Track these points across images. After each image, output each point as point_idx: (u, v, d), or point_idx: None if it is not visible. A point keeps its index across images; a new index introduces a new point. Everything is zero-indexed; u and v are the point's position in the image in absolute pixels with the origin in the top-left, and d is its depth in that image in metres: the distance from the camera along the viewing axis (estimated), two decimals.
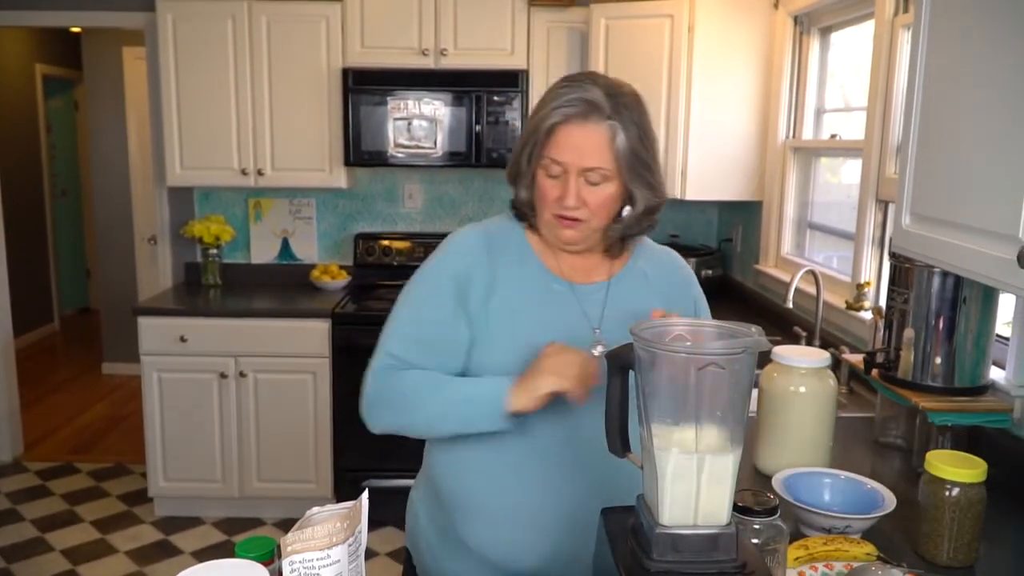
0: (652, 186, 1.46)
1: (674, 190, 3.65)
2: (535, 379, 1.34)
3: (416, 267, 1.57)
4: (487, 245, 1.50)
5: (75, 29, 6.06)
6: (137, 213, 6.06)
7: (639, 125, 1.42)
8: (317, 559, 1.06)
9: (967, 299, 1.79)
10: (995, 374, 1.91)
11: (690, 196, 3.66)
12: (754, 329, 1.06)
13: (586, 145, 1.39)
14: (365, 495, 1.17)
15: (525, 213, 1.52)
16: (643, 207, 1.47)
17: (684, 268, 1.63)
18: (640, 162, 1.43)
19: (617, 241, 1.52)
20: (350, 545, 1.11)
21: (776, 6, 3.53)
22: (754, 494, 1.22)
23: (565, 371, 1.32)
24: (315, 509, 1.15)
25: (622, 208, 1.48)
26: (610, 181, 1.42)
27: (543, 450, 1.45)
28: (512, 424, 1.38)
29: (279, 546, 1.27)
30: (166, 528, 3.91)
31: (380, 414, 1.48)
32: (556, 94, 1.42)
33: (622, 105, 1.40)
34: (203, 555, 3.66)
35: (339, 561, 1.08)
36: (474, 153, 3.89)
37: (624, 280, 1.53)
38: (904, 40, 2.54)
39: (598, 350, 1.44)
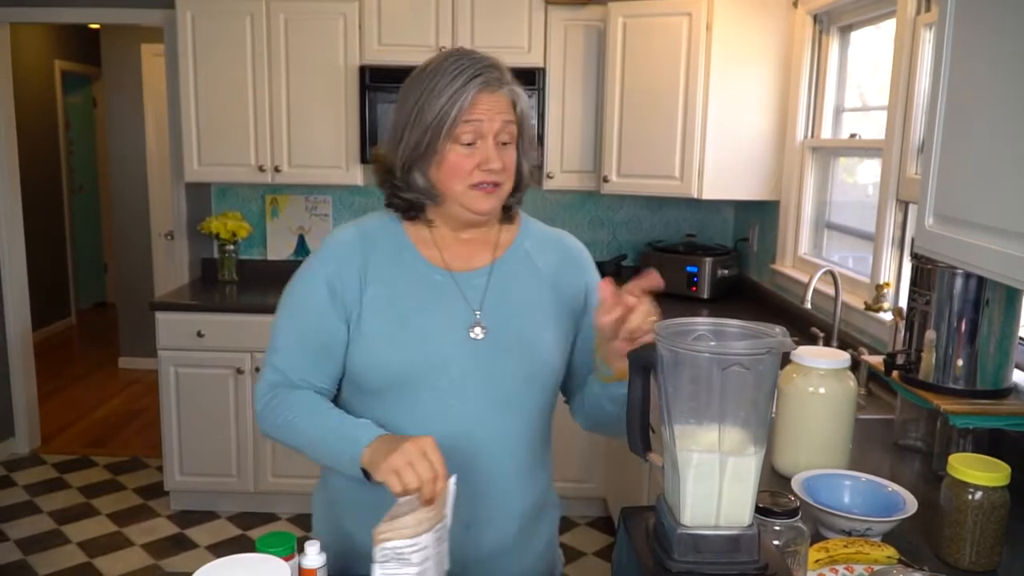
0: (535, 147, 1.54)
1: (691, 189, 3.64)
2: (382, 462, 1.24)
3: None
4: (362, 243, 1.50)
5: (94, 26, 6.09)
6: (154, 209, 6.08)
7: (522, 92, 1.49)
8: (407, 546, 1.11)
9: (990, 301, 1.77)
10: (1018, 377, 1.89)
11: (707, 195, 3.65)
12: (778, 330, 1.06)
13: (499, 108, 1.42)
14: (452, 481, 1.19)
15: (414, 204, 1.50)
16: (529, 166, 1.52)
17: (576, 251, 1.61)
18: (530, 125, 1.50)
19: (504, 210, 1.55)
20: (437, 531, 1.14)
21: (795, 4, 3.51)
22: (774, 495, 1.21)
23: (405, 474, 1.21)
24: (403, 499, 1.19)
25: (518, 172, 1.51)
26: (512, 144, 1.46)
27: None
28: (364, 478, 1.32)
29: (299, 541, 1.27)
30: (182, 522, 3.93)
31: (267, 430, 1.49)
32: (459, 67, 1.41)
33: (509, 74, 1.47)
34: (218, 549, 3.67)
35: (427, 547, 1.13)
36: None
37: (507, 264, 1.53)
38: (926, 39, 2.52)
39: (476, 331, 1.45)
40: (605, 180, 3.85)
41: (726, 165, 3.63)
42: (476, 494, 1.43)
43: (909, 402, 2.02)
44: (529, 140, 1.50)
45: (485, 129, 1.41)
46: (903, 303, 2.12)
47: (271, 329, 1.51)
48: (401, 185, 1.48)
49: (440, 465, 1.22)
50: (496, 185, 1.44)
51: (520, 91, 1.46)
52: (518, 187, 1.52)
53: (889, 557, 1.44)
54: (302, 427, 1.42)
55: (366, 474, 1.30)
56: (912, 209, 2.61)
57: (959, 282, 1.79)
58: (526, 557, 1.55)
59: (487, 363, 1.44)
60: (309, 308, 1.47)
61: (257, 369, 3.75)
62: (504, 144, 1.44)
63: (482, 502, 1.45)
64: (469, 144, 1.42)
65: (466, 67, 1.41)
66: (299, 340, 1.48)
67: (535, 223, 1.62)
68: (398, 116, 1.47)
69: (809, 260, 3.48)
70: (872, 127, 3.11)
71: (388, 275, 1.48)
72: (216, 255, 4.38)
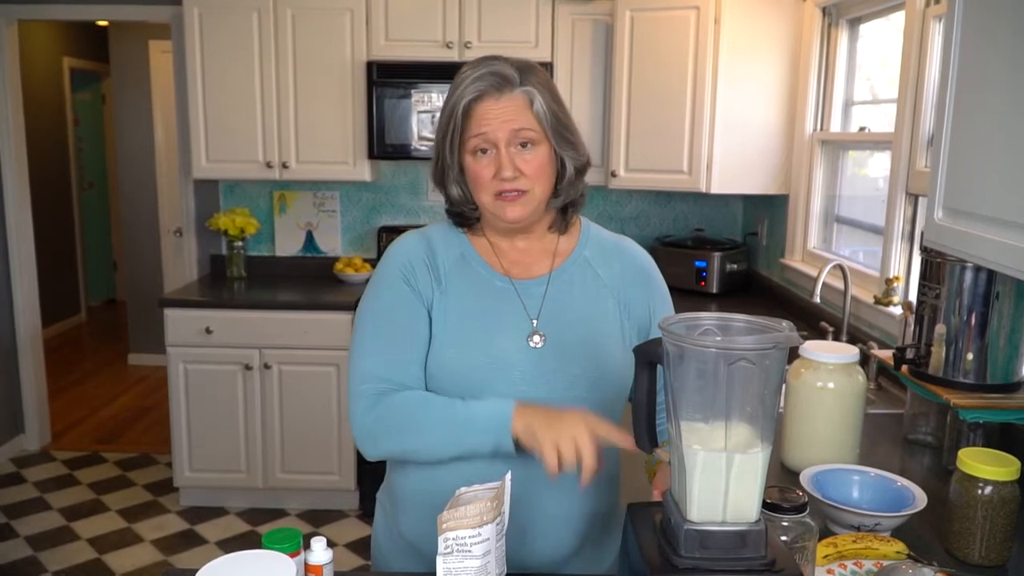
0: (576, 146, 1.48)
1: (699, 183, 3.63)
2: (543, 433, 1.27)
3: None
4: (427, 245, 1.51)
5: (102, 23, 6.10)
6: (163, 205, 6.10)
7: (549, 89, 1.44)
8: (469, 536, 1.12)
9: (1000, 294, 1.76)
10: None
11: (715, 189, 3.63)
12: (785, 324, 1.05)
13: (506, 114, 1.39)
14: (508, 476, 1.20)
15: (463, 213, 1.51)
16: (573, 169, 1.48)
17: (639, 262, 1.57)
18: (561, 123, 1.44)
19: (560, 215, 1.53)
20: (497, 524, 1.15)
21: None
22: (782, 491, 1.21)
23: (567, 450, 1.24)
24: (463, 489, 1.20)
25: (557, 176, 1.47)
26: (539, 145, 1.42)
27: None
28: (513, 451, 1.33)
29: (305, 538, 1.27)
30: (191, 518, 3.94)
31: (380, 442, 1.43)
32: (463, 78, 1.41)
33: (531, 73, 1.43)
34: (227, 545, 3.68)
35: (488, 539, 1.13)
36: None
37: (566, 272, 1.52)
38: (935, 31, 2.51)
39: (535, 340, 1.45)
40: (613, 175, 3.85)
41: (735, 159, 3.61)
42: (534, 499, 1.42)
43: (919, 396, 2.01)
44: (564, 139, 1.44)
45: (492, 139, 1.40)
46: (913, 297, 2.11)
47: (355, 342, 1.47)
48: (445, 197, 1.50)
49: (592, 450, 1.24)
50: (520, 192, 1.42)
51: (537, 90, 1.41)
52: (558, 189, 1.48)
53: (898, 552, 1.43)
54: (426, 421, 1.37)
55: (516, 445, 1.31)
56: (922, 202, 2.59)
57: (969, 276, 1.78)
58: (593, 570, 1.53)
59: (548, 371, 1.43)
60: (390, 303, 1.46)
61: (266, 365, 3.76)
62: (524, 147, 1.41)
63: (539, 507, 1.44)
64: (484, 152, 1.41)
65: (467, 78, 1.40)
66: (388, 338, 1.45)
67: (596, 229, 1.60)
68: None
69: (818, 254, 3.47)
70: (882, 120, 3.09)
71: (453, 277, 1.48)
72: (224, 251, 4.39)
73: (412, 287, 1.47)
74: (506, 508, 1.19)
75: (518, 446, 1.32)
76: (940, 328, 1.84)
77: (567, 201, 1.51)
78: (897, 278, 2.64)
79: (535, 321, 1.46)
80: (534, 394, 1.42)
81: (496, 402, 1.35)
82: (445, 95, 1.47)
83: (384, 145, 3.92)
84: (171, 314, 3.80)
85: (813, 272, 3.25)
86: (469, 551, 1.11)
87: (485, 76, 1.39)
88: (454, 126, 1.41)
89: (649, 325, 1.53)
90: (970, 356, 1.80)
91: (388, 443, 1.42)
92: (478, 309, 1.47)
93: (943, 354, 1.84)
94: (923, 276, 1.90)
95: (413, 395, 1.42)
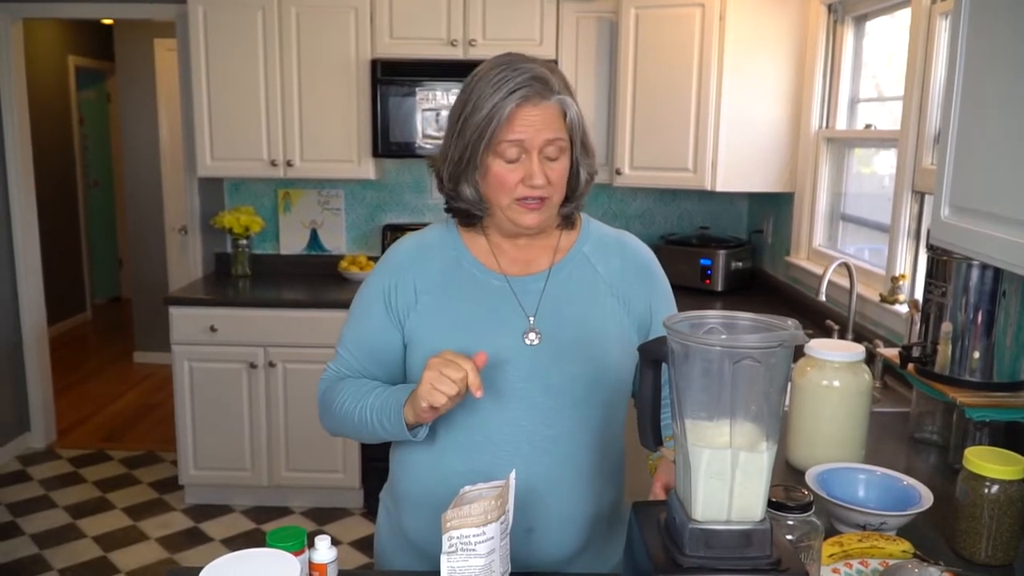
0: (592, 155, 1.49)
1: (704, 181, 3.62)
2: (416, 396, 1.32)
3: None
4: (418, 254, 1.52)
5: (107, 21, 6.11)
6: (168, 204, 6.10)
7: (572, 95, 1.45)
8: (473, 535, 1.12)
9: (1007, 292, 1.75)
10: None
11: (720, 187, 3.63)
12: (790, 322, 1.04)
13: (542, 122, 1.38)
14: (513, 475, 1.20)
15: (469, 212, 1.49)
16: (587, 175, 1.49)
17: (639, 257, 1.57)
18: (583, 132, 1.46)
19: (566, 216, 1.53)
20: (502, 523, 1.15)
21: None
22: (787, 490, 1.20)
23: (440, 385, 1.27)
24: (467, 487, 1.20)
25: (572, 181, 1.48)
26: (564, 154, 1.43)
27: (486, 449, 1.44)
28: (419, 434, 1.40)
29: (310, 536, 1.27)
30: (196, 516, 3.95)
31: (324, 420, 1.58)
32: (501, 78, 1.38)
33: (559, 78, 1.43)
34: (233, 543, 3.69)
35: (493, 538, 1.13)
36: None
37: (565, 269, 1.51)
38: (942, 28, 2.50)
39: (531, 337, 1.44)
40: (618, 172, 3.84)
41: (740, 157, 3.60)
42: (536, 498, 1.42)
43: (925, 395, 2.00)
44: (585, 148, 1.46)
45: (527, 145, 1.38)
46: (919, 295, 2.11)
47: (343, 325, 1.60)
48: (452, 195, 1.49)
49: (463, 359, 1.28)
50: (542, 200, 1.42)
51: (570, 100, 1.41)
52: (571, 196, 1.48)
53: (904, 551, 1.42)
54: (350, 415, 1.48)
55: (421, 428, 1.39)
56: (928, 200, 2.59)
57: (975, 273, 1.78)
58: (597, 568, 1.53)
59: (544, 369, 1.43)
60: (365, 318, 1.53)
61: (271, 363, 3.77)
62: (550, 158, 1.40)
63: (542, 506, 1.44)
64: (514, 156, 1.40)
65: (507, 79, 1.37)
66: (356, 344, 1.55)
67: (596, 225, 1.60)
68: (447, 127, 1.47)
69: (824, 252, 3.46)
70: (887, 118, 3.08)
71: (443, 283, 1.48)
72: (229, 250, 4.40)
73: (389, 309, 1.50)
74: (510, 507, 1.19)
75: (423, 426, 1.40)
76: (946, 326, 1.83)
77: (575, 206, 1.52)
78: (903, 276, 2.64)
79: (532, 319, 1.46)
80: (532, 392, 1.42)
81: (397, 394, 1.41)
82: (450, 93, 1.48)
83: (389, 143, 3.92)
84: (176, 312, 3.81)
85: (818, 270, 3.24)
86: (473, 550, 1.11)
87: (529, 81, 1.37)
88: (493, 129, 1.37)
89: (650, 322, 1.53)
90: (976, 354, 1.80)
91: (329, 423, 1.57)
92: (472, 310, 1.46)
93: (949, 352, 1.83)
94: (929, 274, 1.90)
95: (352, 382, 1.52)
